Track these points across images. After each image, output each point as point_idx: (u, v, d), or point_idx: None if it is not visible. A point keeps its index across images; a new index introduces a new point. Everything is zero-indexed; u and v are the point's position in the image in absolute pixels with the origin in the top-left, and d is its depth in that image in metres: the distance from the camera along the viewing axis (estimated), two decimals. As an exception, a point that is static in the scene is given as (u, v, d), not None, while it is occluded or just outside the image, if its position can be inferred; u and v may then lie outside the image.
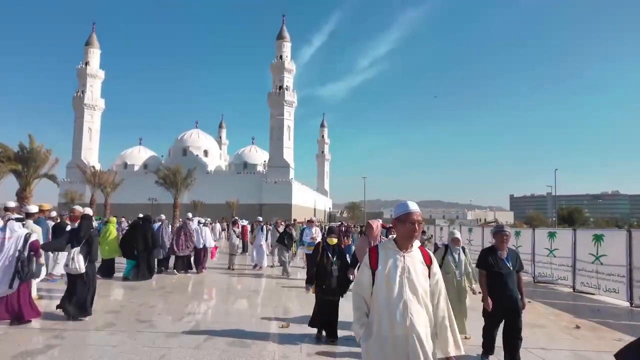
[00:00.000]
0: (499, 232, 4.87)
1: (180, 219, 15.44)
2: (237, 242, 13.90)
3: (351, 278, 5.64)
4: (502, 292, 4.64)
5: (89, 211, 7.39)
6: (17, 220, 6.31)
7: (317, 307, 5.70)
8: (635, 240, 9.16)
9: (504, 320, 4.71)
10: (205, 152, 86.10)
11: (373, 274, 2.54)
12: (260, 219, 13.75)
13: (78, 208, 8.03)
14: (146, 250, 10.58)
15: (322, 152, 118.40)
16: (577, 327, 6.84)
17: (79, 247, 6.29)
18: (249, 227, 20.62)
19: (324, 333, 5.62)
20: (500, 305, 4.64)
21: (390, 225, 6.30)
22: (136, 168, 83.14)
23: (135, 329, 5.90)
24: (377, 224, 5.64)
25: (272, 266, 13.57)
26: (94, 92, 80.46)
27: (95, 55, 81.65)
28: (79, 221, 6.88)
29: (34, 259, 6.07)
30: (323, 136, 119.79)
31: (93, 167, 51.84)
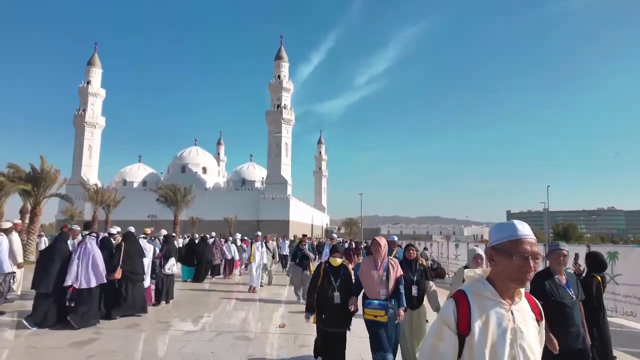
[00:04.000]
0: (554, 250, 3.79)
1: (207, 235, 17.15)
2: (244, 256, 15.64)
3: (352, 309, 4.70)
4: (567, 328, 3.57)
5: (164, 232, 11.20)
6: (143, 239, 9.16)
7: (319, 337, 5.07)
8: (592, 254, 10.36)
9: None
10: (204, 169, 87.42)
11: (461, 340, 1.60)
12: (259, 233, 13.98)
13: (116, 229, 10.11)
14: (203, 260, 14.39)
15: (320, 168, 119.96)
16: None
17: (173, 257, 9.81)
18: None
19: None
20: (566, 346, 3.46)
21: (411, 244, 5.52)
22: (135, 185, 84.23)
23: (158, 328, 7.15)
24: (384, 241, 4.78)
25: (269, 284, 13.85)
26: (94, 111, 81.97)
27: (96, 75, 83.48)
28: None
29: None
30: (320, 153, 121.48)
31: (96, 184, 52.81)
